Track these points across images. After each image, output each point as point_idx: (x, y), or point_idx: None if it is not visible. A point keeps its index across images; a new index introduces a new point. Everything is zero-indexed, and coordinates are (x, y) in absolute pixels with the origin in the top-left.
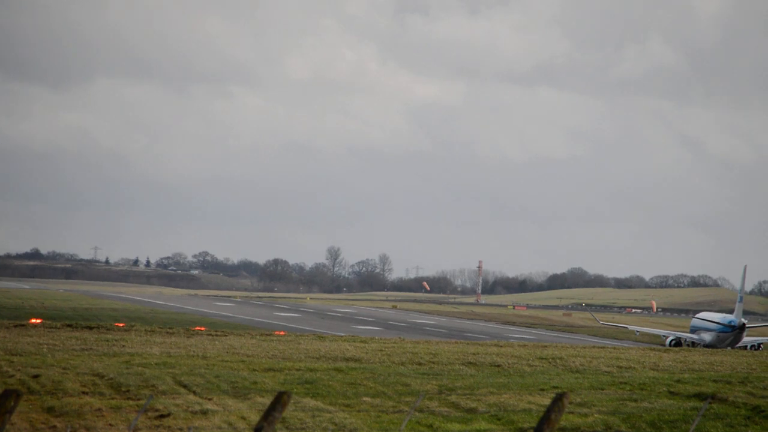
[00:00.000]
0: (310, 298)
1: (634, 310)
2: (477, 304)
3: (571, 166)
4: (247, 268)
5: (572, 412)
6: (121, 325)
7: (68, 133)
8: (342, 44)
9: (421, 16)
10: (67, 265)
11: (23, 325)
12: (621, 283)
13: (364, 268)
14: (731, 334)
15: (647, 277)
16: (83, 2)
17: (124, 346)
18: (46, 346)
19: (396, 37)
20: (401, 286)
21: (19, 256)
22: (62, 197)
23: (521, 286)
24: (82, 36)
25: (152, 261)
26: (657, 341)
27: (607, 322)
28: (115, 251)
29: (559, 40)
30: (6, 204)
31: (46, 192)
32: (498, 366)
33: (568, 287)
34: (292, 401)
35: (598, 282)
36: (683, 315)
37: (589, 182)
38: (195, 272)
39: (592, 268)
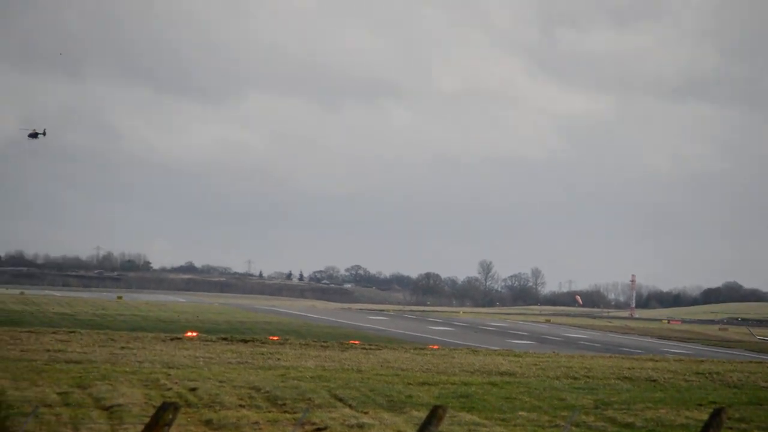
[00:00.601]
0: (463, 312)
1: None
2: (631, 318)
3: (723, 180)
4: (399, 281)
5: (731, 428)
6: (276, 338)
7: (221, 147)
8: (490, 57)
9: (569, 29)
10: (222, 279)
11: (179, 339)
12: None
13: (516, 282)
14: None
15: None
16: (236, 19)
17: (279, 359)
18: (202, 359)
19: (544, 49)
20: (554, 300)
21: (174, 270)
22: (216, 211)
23: (675, 300)
24: (235, 51)
25: (305, 275)
26: None
27: (765, 336)
28: (269, 265)
29: (709, 53)
30: (161, 218)
31: (200, 206)
32: (654, 381)
33: (723, 302)
34: (447, 415)
35: (754, 296)
36: None
37: (742, 196)
38: (348, 286)
39: (748, 283)
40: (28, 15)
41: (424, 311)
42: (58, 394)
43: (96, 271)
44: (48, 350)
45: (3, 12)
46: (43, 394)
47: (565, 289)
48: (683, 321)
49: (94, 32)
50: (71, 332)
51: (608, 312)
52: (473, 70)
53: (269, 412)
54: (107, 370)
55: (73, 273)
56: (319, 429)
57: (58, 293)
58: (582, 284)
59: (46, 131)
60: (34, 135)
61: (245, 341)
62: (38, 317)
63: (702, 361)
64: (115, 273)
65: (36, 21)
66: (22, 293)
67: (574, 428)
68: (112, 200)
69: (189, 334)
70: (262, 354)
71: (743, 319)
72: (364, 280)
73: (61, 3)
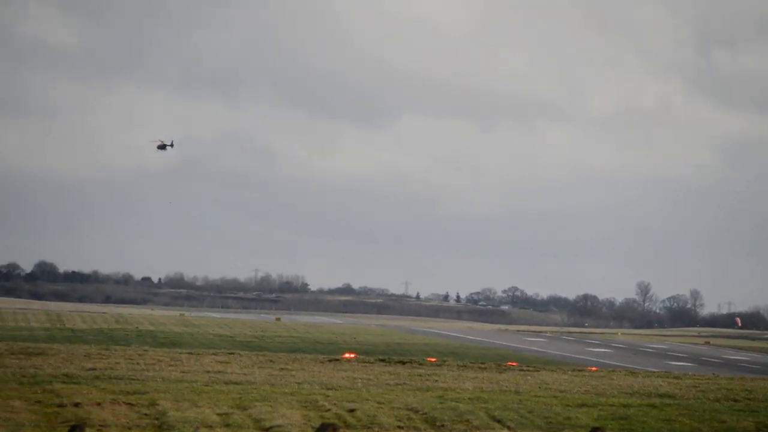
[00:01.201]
0: (621, 334)
1: None
2: None
3: None
4: (556, 303)
5: None
6: (433, 359)
7: (377, 169)
8: (646, 78)
9: (726, 49)
10: (379, 300)
11: (337, 360)
12: None
13: (674, 304)
14: None
15: None
16: (390, 42)
17: (437, 380)
18: (360, 380)
19: (701, 70)
20: (713, 321)
21: (331, 291)
22: (372, 232)
23: None
24: (390, 73)
25: (462, 296)
26: None
27: None
28: (426, 286)
29: None
30: (318, 240)
31: (356, 227)
32: None
33: None
34: None
35: None
36: None
37: None
38: (505, 307)
39: None
40: (187, 40)
41: (581, 333)
42: (219, 415)
43: (254, 293)
44: (208, 371)
45: (162, 37)
46: (203, 415)
47: (724, 311)
48: None
49: (250, 56)
50: (230, 353)
51: None
52: (628, 91)
53: None
54: (266, 391)
55: (232, 295)
56: None
57: (217, 315)
58: (742, 306)
59: (174, 143)
60: (162, 147)
61: (403, 363)
62: (198, 339)
63: None
64: (273, 295)
65: (194, 46)
66: (182, 315)
67: None
68: (269, 222)
69: (347, 355)
70: (420, 375)
71: None
72: (521, 301)
73: (218, 28)
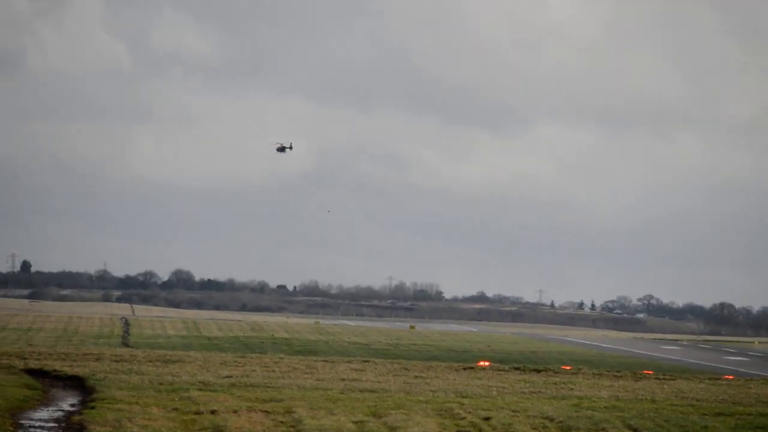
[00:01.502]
0: (758, 342)
1: None
2: None
3: None
4: (692, 311)
5: None
6: (568, 368)
7: (510, 176)
8: None
9: None
10: (513, 308)
11: (472, 368)
12: None
13: None
14: None
15: None
16: (522, 48)
17: (572, 389)
18: (495, 388)
19: None
20: None
21: (465, 299)
22: (505, 240)
23: None
24: (522, 80)
25: (596, 304)
26: None
27: None
28: (560, 294)
29: None
30: (452, 248)
31: (490, 235)
32: None
33: None
34: None
35: None
36: None
37: None
38: (640, 315)
39: None
40: (321, 48)
41: (717, 341)
42: (354, 422)
43: (389, 301)
44: (343, 379)
45: (296, 45)
46: (338, 423)
47: None
48: None
49: (383, 64)
50: (365, 361)
51: None
52: (764, 97)
53: None
54: (401, 399)
55: (366, 303)
56: None
57: (351, 323)
58: None
59: (292, 145)
60: (281, 149)
61: (538, 371)
62: (333, 346)
63: None
64: (408, 303)
65: (328, 54)
66: (316, 323)
67: None
68: (402, 230)
69: (482, 363)
70: (555, 384)
71: None
72: (656, 309)
73: (352, 36)
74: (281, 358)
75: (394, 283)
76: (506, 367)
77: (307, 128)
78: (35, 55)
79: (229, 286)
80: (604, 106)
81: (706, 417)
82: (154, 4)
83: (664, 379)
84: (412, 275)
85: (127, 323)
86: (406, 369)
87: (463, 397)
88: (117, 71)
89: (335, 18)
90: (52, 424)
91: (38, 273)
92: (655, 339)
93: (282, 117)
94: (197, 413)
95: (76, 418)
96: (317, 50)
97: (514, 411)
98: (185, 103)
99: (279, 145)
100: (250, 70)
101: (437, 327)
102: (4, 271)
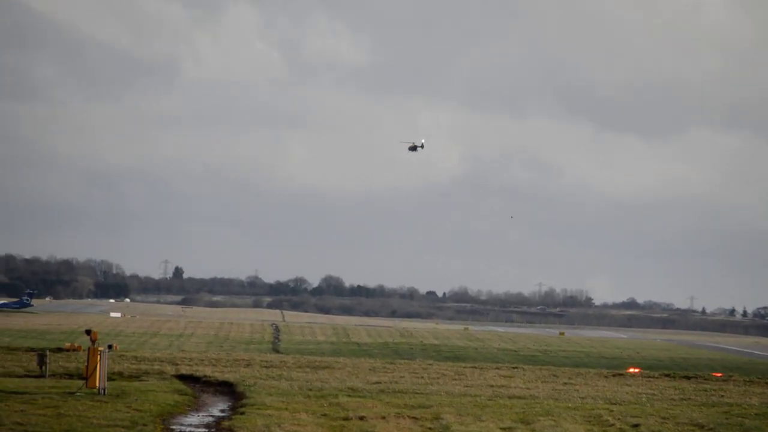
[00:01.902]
0: None
1: None
2: None
3: None
4: None
5: None
6: (719, 375)
7: (663, 182)
8: None
9: None
10: (663, 315)
11: (621, 375)
12: None
13: None
14: None
15: None
16: (676, 53)
17: (722, 396)
18: (644, 395)
19: None
20: None
21: (615, 306)
22: (655, 245)
23: None
24: (675, 87)
25: (749, 311)
26: None
27: None
28: (711, 301)
29: None
30: (602, 254)
31: (640, 241)
32: None
33: None
34: None
35: None
36: None
37: None
38: None
39: None
40: (473, 55)
41: None
42: (502, 429)
43: (538, 307)
44: (491, 386)
45: (449, 53)
46: (486, 430)
47: None
48: None
49: (536, 71)
50: (514, 368)
51: None
52: None
53: None
54: (550, 405)
55: (516, 309)
56: None
57: (500, 329)
58: None
59: (424, 144)
60: (413, 148)
61: (688, 378)
62: (482, 353)
63: None
64: (557, 309)
65: (480, 61)
66: (466, 329)
67: None
68: (553, 236)
69: (631, 370)
70: (705, 391)
71: None
72: None
73: (505, 43)
74: (430, 365)
75: (544, 289)
76: (656, 374)
77: (459, 134)
78: (190, 64)
79: (378, 293)
80: (756, 110)
81: None
82: (309, 13)
83: None
84: (562, 281)
85: (277, 329)
86: (554, 376)
87: (612, 403)
88: (271, 79)
89: (488, 25)
90: (203, 430)
91: (190, 279)
92: None
93: (434, 123)
94: (346, 419)
95: (226, 423)
96: (470, 57)
97: (663, 418)
98: (338, 110)
99: (411, 144)
100: (403, 77)
101: (587, 333)
102: (156, 277)
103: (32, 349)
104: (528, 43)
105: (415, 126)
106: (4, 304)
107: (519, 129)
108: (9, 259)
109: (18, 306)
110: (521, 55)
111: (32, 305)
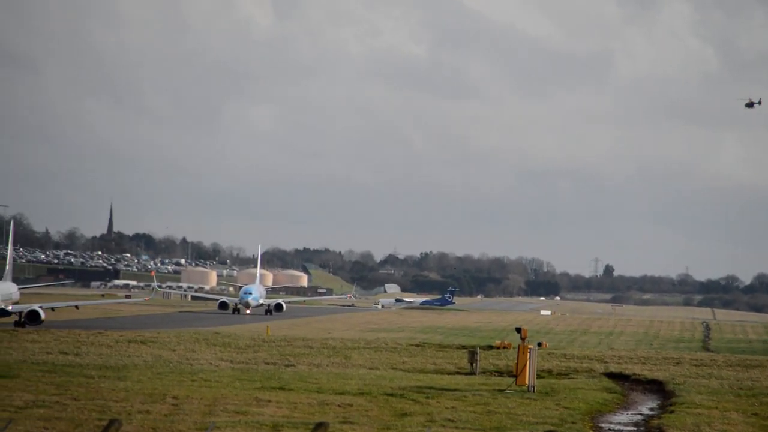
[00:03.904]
0: None
1: None
2: None
3: None
4: None
5: None
6: None
7: None
8: None
9: None
10: None
11: None
12: None
13: None
14: None
15: None
16: None
17: None
18: None
19: None
20: None
21: None
22: None
23: None
24: None
25: None
26: None
27: None
28: None
29: None
30: None
31: None
32: None
33: None
34: None
35: None
36: None
37: None
38: None
39: None
40: None
41: None
42: None
43: None
44: None
45: None
46: None
47: None
48: None
49: None
50: None
51: None
52: None
53: None
54: None
55: None
56: None
57: None
58: None
59: (761, 100)
60: (750, 105)
61: None
62: None
63: None
64: None
65: None
66: None
67: None
68: None
69: None
70: None
71: None
72: None
73: None
74: None
75: None
76: None
77: None
78: (623, 60)
79: None
80: None
81: None
82: (744, 5)
83: None
84: None
85: (707, 327)
86: None
87: None
88: (705, 74)
89: None
90: (631, 428)
91: (620, 277)
92: None
93: None
94: None
95: (655, 421)
96: None
97: None
98: None
99: (749, 101)
100: None
101: None
102: (587, 275)
103: (463, 347)
104: None
105: None
106: (426, 302)
107: None
108: (442, 257)
109: (440, 303)
110: None
111: (454, 302)
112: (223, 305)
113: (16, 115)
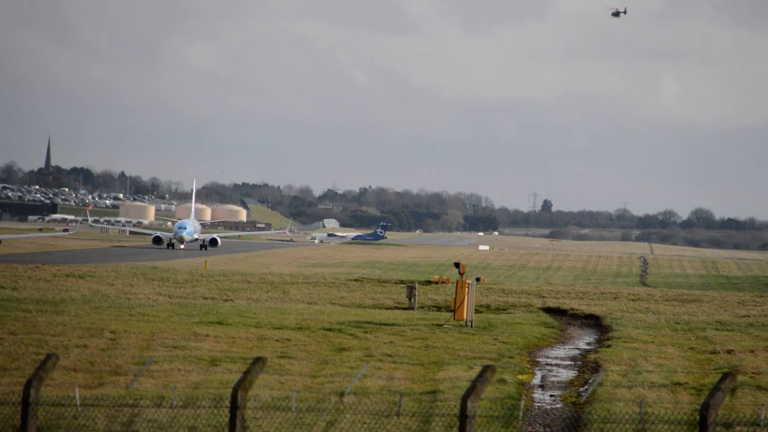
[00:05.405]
0: None
1: None
2: None
3: None
4: None
5: None
6: None
7: None
8: None
9: None
10: None
11: None
12: None
13: None
14: None
15: None
16: None
17: None
18: None
19: None
20: None
21: None
22: None
23: None
24: None
25: None
26: None
27: None
28: None
29: None
30: None
31: None
32: None
33: None
34: None
35: None
36: None
37: None
38: None
39: None
40: None
41: None
42: None
43: None
44: None
45: None
46: None
47: None
48: None
49: None
50: None
51: None
52: None
53: None
54: None
55: None
56: None
57: None
58: None
59: (626, 9)
60: (616, 14)
61: None
62: None
63: None
64: None
65: None
66: None
67: None
68: None
69: None
70: None
71: None
72: None
73: None
74: None
75: None
76: None
77: None
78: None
79: (749, 225)
80: None
81: None
82: None
83: None
84: None
85: (645, 262)
86: None
87: None
88: (646, 9)
89: None
90: (568, 362)
91: (559, 212)
92: None
93: None
94: (713, 352)
95: (592, 356)
96: None
97: None
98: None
99: (614, 11)
100: None
101: None
102: (525, 210)
103: (402, 282)
104: None
105: None
106: (359, 236)
107: None
108: (381, 192)
109: (372, 238)
110: None
111: (386, 237)
112: (158, 240)
113: None
